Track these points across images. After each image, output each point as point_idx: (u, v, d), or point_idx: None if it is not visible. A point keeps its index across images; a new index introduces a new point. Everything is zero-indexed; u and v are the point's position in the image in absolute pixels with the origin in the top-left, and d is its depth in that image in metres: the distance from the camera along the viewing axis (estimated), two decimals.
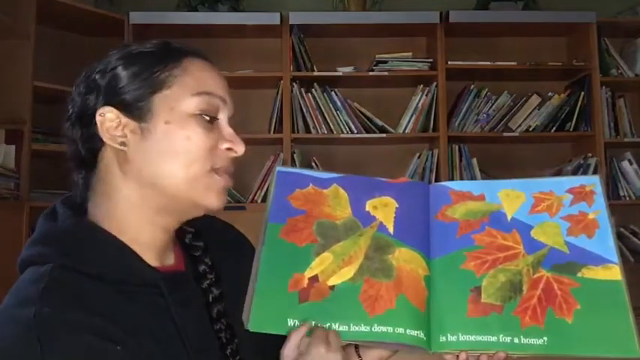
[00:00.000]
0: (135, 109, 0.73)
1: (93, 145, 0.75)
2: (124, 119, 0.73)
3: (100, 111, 0.73)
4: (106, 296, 0.68)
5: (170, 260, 0.80)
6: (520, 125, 3.17)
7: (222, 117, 0.77)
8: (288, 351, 0.74)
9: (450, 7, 3.16)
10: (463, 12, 3.17)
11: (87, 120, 0.74)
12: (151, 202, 0.74)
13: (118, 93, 0.73)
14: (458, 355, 0.79)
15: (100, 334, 0.64)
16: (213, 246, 0.85)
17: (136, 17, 3.00)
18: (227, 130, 0.76)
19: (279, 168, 0.87)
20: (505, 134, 3.16)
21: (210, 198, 0.74)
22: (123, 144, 0.73)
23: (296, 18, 3.08)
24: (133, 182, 0.74)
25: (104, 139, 0.73)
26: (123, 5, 3.10)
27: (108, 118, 0.73)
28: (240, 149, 0.76)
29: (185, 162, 0.72)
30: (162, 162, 0.72)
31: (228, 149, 0.76)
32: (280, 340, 0.77)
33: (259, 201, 3.07)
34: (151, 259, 0.75)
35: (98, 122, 0.73)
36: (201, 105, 0.74)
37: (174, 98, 0.73)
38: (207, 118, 0.74)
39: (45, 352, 0.61)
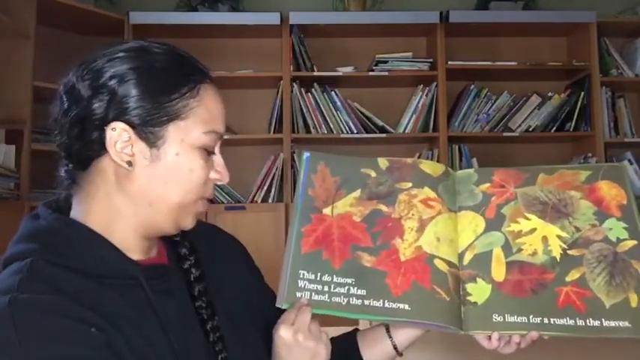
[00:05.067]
0: (148, 133, 0.73)
1: (91, 150, 0.74)
2: (135, 139, 0.73)
3: (113, 125, 0.72)
4: (84, 287, 0.69)
5: (153, 253, 0.81)
6: (520, 125, 3.17)
7: (217, 148, 0.79)
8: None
9: (450, 7, 3.17)
10: (463, 12, 3.17)
11: (91, 125, 0.73)
12: (139, 217, 0.76)
13: (132, 110, 0.72)
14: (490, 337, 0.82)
15: (76, 317, 0.66)
16: (202, 246, 0.86)
17: (136, 17, 3.00)
18: (219, 160, 0.79)
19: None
20: (505, 134, 3.16)
21: (188, 221, 0.79)
22: (129, 163, 0.73)
23: (296, 18, 3.08)
24: (127, 197, 0.75)
25: (111, 154, 0.73)
26: (123, 5, 3.10)
27: (119, 134, 0.72)
28: (226, 179, 0.80)
29: (183, 191, 0.75)
30: (164, 188, 0.75)
31: (217, 179, 0.79)
32: (262, 322, 0.86)
33: (259, 201, 3.07)
34: (133, 253, 0.77)
35: (108, 136, 0.72)
36: (207, 141, 0.76)
37: (187, 130, 0.75)
38: (208, 151, 0.77)
39: (20, 335, 0.62)
